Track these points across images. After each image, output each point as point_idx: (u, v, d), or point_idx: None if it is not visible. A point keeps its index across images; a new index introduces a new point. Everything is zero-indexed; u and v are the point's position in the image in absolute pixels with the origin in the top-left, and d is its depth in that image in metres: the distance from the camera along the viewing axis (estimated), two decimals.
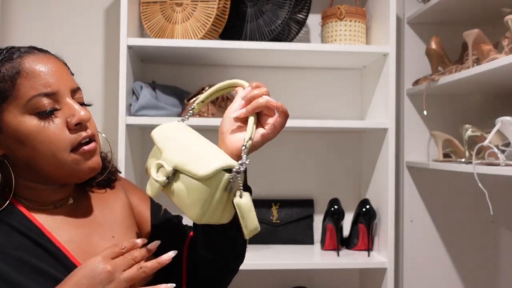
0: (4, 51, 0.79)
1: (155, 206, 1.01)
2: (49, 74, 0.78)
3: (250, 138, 0.78)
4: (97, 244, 0.83)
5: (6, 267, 0.72)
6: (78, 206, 0.86)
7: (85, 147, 0.79)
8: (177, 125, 0.89)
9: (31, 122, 0.76)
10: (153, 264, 0.76)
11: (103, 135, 0.93)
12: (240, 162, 0.75)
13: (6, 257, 0.72)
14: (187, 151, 0.79)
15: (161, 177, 0.78)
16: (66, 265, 0.76)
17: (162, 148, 0.82)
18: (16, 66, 0.76)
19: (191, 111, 0.90)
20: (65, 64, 0.85)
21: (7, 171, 0.78)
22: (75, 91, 0.82)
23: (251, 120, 0.80)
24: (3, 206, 0.77)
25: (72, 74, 0.87)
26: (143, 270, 0.75)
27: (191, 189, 0.75)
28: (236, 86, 0.86)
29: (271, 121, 0.82)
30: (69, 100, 0.79)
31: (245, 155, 0.77)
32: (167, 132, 0.85)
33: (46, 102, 0.76)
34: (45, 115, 0.76)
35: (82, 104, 0.83)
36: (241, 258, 0.92)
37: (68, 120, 0.78)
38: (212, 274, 0.91)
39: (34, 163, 0.78)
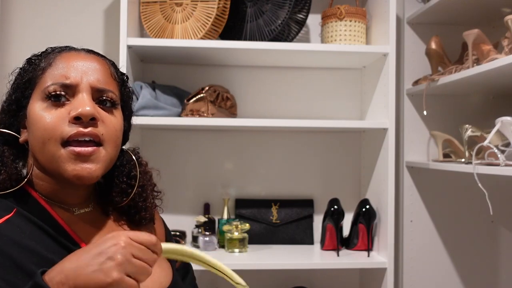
0: (48, 48, 0.84)
1: (169, 236, 1.02)
2: (74, 67, 0.78)
3: None
4: None
5: (39, 267, 0.68)
6: (99, 214, 0.86)
7: (76, 148, 0.74)
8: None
9: (39, 107, 0.76)
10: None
11: (133, 156, 0.89)
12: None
13: (40, 258, 0.71)
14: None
15: None
16: None
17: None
18: (51, 58, 0.80)
19: None
20: (112, 70, 0.84)
21: (26, 157, 0.81)
22: (100, 91, 0.79)
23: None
24: (15, 188, 0.77)
25: (119, 83, 0.85)
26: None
27: None
28: None
29: None
30: (82, 94, 0.77)
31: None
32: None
33: (59, 91, 0.76)
34: (53, 103, 0.76)
35: (108, 104, 0.80)
36: None
37: (71, 112, 0.75)
38: None
39: (35, 153, 0.78)
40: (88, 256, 0.64)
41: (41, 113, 0.76)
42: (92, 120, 0.76)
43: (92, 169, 0.75)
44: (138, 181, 0.87)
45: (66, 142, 0.74)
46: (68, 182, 0.76)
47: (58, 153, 0.74)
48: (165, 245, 0.70)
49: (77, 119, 0.74)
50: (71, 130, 0.74)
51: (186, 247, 0.71)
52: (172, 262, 0.93)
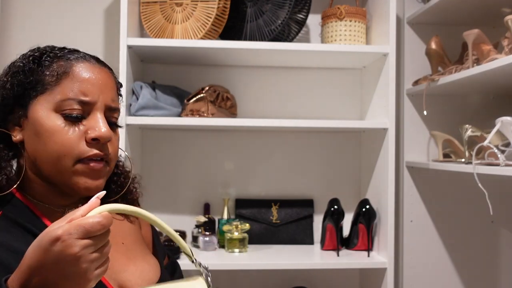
0: (66, 49, 0.82)
1: (156, 235, 1.02)
2: (92, 84, 0.78)
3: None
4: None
5: None
6: None
7: (92, 164, 0.77)
8: None
9: (55, 120, 0.76)
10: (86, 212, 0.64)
11: (128, 157, 0.94)
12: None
13: (21, 257, 0.68)
14: None
15: None
16: None
17: None
18: (67, 67, 0.78)
19: None
20: (117, 84, 0.86)
21: (20, 158, 0.80)
22: (111, 110, 0.81)
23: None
24: (6, 193, 0.77)
25: (120, 96, 0.88)
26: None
27: None
28: None
29: None
30: (99, 114, 0.79)
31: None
32: None
33: (76, 107, 0.77)
34: (70, 119, 0.77)
35: (113, 124, 0.83)
36: None
37: (88, 132, 0.77)
38: None
39: (39, 160, 0.77)
40: (53, 275, 0.61)
41: (57, 127, 0.76)
42: (107, 142, 0.79)
43: (100, 183, 0.79)
44: (130, 176, 0.92)
45: (81, 160, 0.77)
46: (72, 192, 0.79)
47: (72, 168, 0.76)
48: (111, 207, 0.65)
49: (94, 140, 0.77)
50: (89, 150, 0.77)
51: (131, 207, 0.66)
52: (160, 258, 0.94)
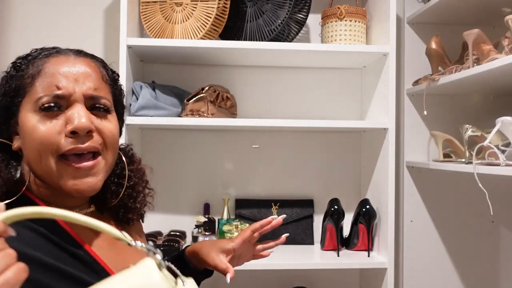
0: (33, 51, 0.80)
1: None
2: (65, 76, 0.75)
3: None
4: (121, 250, 0.82)
5: (38, 275, 0.66)
6: (100, 214, 0.86)
7: (76, 165, 0.73)
8: None
9: (33, 119, 0.74)
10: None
11: (123, 158, 0.87)
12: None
13: (39, 265, 0.67)
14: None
15: None
16: (97, 271, 0.73)
17: None
18: (39, 65, 0.76)
19: None
20: (103, 72, 0.81)
21: (19, 161, 0.78)
22: (94, 98, 0.77)
23: None
24: (17, 196, 0.74)
25: (110, 84, 0.83)
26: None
27: None
28: None
29: None
30: (77, 106, 0.75)
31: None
32: None
33: (52, 102, 0.74)
34: (47, 114, 0.74)
35: (102, 111, 0.78)
36: None
37: (67, 126, 0.73)
38: None
39: (31, 164, 0.76)
40: None
41: (35, 125, 0.74)
42: (88, 133, 0.74)
43: (92, 182, 0.75)
44: (127, 181, 0.87)
45: (63, 154, 0.73)
46: (69, 194, 0.76)
47: (56, 167, 0.73)
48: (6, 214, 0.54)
49: (74, 133, 0.73)
50: (67, 145, 0.73)
51: (35, 209, 0.55)
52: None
